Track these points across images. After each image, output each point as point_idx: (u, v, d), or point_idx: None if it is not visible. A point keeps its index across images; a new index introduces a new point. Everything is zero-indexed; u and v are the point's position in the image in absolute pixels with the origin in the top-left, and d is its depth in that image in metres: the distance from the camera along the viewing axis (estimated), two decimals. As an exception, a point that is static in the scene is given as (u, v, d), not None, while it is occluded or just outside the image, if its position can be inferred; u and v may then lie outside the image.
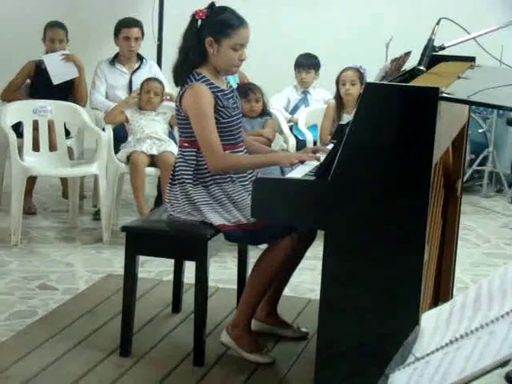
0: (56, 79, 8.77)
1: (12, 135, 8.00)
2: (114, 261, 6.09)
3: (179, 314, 5.84)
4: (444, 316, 2.38)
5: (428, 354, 2.13)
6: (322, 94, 9.08)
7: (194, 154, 5.17)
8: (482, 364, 1.89)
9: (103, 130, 8.17)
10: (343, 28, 9.85)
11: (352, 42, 8.94)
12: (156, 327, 5.63)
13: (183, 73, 5.25)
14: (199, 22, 5.15)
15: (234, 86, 7.00)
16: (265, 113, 8.06)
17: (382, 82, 4.30)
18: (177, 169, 5.32)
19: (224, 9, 5.19)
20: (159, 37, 9.90)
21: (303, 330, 5.46)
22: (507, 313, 2.07)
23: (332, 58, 8.86)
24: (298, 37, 9.72)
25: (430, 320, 2.40)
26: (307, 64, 9.19)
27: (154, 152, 7.91)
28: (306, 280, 5.60)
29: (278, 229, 4.96)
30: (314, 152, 5.38)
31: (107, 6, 10.30)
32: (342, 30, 9.74)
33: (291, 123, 8.73)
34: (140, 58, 8.92)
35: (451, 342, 2.11)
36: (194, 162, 5.18)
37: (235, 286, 6.03)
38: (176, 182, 5.27)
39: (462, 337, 2.10)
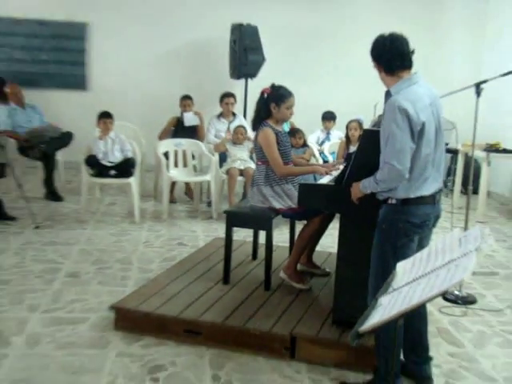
0: (188, 123, 8.85)
1: (163, 158, 8.16)
2: (219, 230, 6.15)
3: (256, 261, 5.86)
4: (410, 265, 2.51)
5: (400, 287, 2.28)
6: (337, 134, 9.04)
7: (264, 168, 5.30)
8: (431, 293, 2.04)
9: (213, 155, 8.24)
10: (349, 97, 9.73)
11: (354, 104, 8.89)
12: (243, 267, 5.67)
13: (257, 123, 5.40)
14: (265, 95, 5.28)
15: (287, 129, 7.05)
16: (305, 145, 8.10)
17: (372, 129, 4.34)
18: (255, 177, 5.49)
19: (279, 87, 5.33)
20: (244, 102, 9.87)
21: (327, 270, 5.54)
22: (446, 263, 2.19)
23: (343, 113, 8.78)
24: (323, 102, 9.58)
25: (402, 267, 2.53)
26: (329, 117, 9.16)
27: (242, 168, 7.99)
28: (328, 241, 5.65)
29: (312, 212, 5.11)
30: (333, 166, 5.47)
31: (215, 85, 10.08)
32: (349, 98, 9.62)
33: (320, 151, 8.75)
34: (233, 114, 8.93)
35: (413, 280, 2.26)
36: (264, 172, 5.31)
37: (287, 245, 6.09)
38: (254, 184, 5.44)
39: (420, 277, 2.24)
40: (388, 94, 3.78)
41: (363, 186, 3.79)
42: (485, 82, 5.32)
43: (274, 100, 5.28)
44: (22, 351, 4.28)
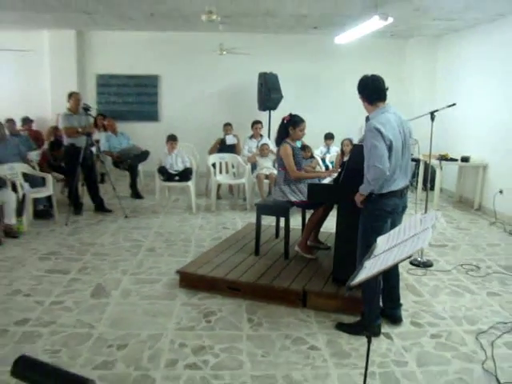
0: (229, 141, 8.86)
1: (211, 168, 8.16)
2: (252, 217, 6.14)
3: (278, 239, 5.79)
4: (386, 238, 2.52)
5: (379, 254, 2.29)
6: (335, 149, 8.99)
7: (284, 173, 5.30)
8: (400, 257, 2.05)
9: (246, 164, 8.24)
10: (342, 122, 9.69)
11: (346, 127, 8.85)
12: (269, 243, 5.64)
13: (279, 141, 5.39)
14: (285, 121, 5.29)
15: (300, 145, 7.01)
16: (312, 157, 8.07)
17: (359, 144, 4.33)
18: (277, 179, 5.51)
19: (295, 115, 5.34)
20: (268, 127, 9.86)
21: (328, 245, 5.48)
22: (411, 236, 2.19)
23: (338, 134, 8.76)
24: (324, 125, 9.52)
25: (381, 240, 2.53)
26: (329, 136, 9.05)
27: (267, 173, 7.94)
28: (330, 225, 5.65)
29: (318, 203, 5.10)
30: (332, 172, 5.47)
31: (247, 115, 10.19)
32: (342, 123, 9.59)
33: (323, 160, 8.72)
34: (261, 135, 8.87)
35: (389, 249, 2.26)
36: (283, 176, 5.31)
37: (300, 227, 6.02)
38: (276, 184, 5.48)
39: (393, 246, 2.25)
40: (367, 119, 3.85)
41: (361, 190, 3.74)
42: (436, 111, 5.30)
43: (292, 124, 5.31)
44: (118, 300, 4.39)
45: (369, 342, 2.45)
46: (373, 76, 3.82)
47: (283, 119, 5.43)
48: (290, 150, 5.27)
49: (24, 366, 0.72)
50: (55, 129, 9.01)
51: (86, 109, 7.11)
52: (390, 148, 3.58)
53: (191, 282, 4.68)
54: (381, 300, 4.07)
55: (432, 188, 8.32)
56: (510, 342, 3.78)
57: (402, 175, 3.77)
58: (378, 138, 3.56)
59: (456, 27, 8.75)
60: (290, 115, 5.39)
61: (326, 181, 5.09)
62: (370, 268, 2.07)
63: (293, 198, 5.28)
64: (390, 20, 6.39)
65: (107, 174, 8.44)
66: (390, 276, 4.03)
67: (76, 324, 3.89)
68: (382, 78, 3.81)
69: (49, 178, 7.08)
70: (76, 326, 3.85)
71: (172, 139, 8.16)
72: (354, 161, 4.15)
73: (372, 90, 3.77)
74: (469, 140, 8.70)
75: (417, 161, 8.61)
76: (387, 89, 3.79)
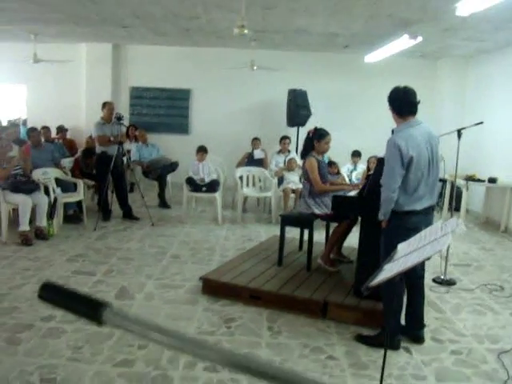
0: (257, 156, 8.92)
1: (239, 180, 8.18)
2: (276, 230, 6.11)
3: (301, 251, 5.76)
4: (407, 244, 2.51)
5: (398, 258, 2.28)
6: (362, 166, 8.97)
7: (309, 185, 5.29)
8: (418, 259, 2.02)
9: (273, 178, 8.26)
10: (369, 140, 9.59)
11: (372, 145, 8.81)
12: (292, 255, 5.63)
13: (305, 154, 5.40)
14: (310, 134, 5.31)
15: (327, 161, 7.02)
16: (339, 172, 8.09)
17: (383, 157, 4.33)
18: (302, 192, 5.49)
19: (320, 129, 5.35)
20: (296, 142, 9.87)
21: (351, 259, 5.43)
22: (431, 241, 2.18)
23: (366, 151, 8.72)
24: (352, 143, 9.54)
25: (402, 247, 2.52)
26: (356, 154, 9.03)
27: (294, 188, 7.96)
28: (353, 241, 5.62)
29: (342, 217, 5.09)
30: (356, 186, 5.47)
31: (276, 131, 10.29)
32: (369, 141, 9.49)
33: (349, 178, 8.70)
34: (289, 151, 8.93)
35: (408, 253, 2.24)
36: (308, 188, 5.31)
37: (323, 242, 5.91)
38: (301, 197, 5.50)
39: (413, 251, 2.24)
40: (393, 132, 3.79)
41: (379, 216, 3.70)
42: (463, 128, 5.26)
43: (317, 137, 5.31)
44: (142, 303, 4.44)
45: (385, 352, 2.44)
46: (405, 88, 3.70)
47: (308, 132, 5.44)
48: (315, 162, 5.27)
49: (49, 290, 0.82)
50: (89, 138, 9.19)
51: (119, 118, 7.26)
52: (409, 164, 3.53)
53: (214, 288, 4.70)
54: (404, 319, 4.02)
55: (458, 209, 8.22)
56: (533, 363, 3.69)
57: (427, 193, 3.69)
58: (393, 156, 3.52)
59: (486, 48, 8.70)
60: (316, 128, 5.40)
61: (351, 193, 5.08)
62: (389, 270, 2.07)
63: (317, 211, 5.27)
64: (420, 39, 6.41)
65: (137, 183, 8.55)
66: (415, 296, 3.98)
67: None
68: (414, 91, 3.71)
69: (80, 183, 7.22)
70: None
71: (202, 150, 8.25)
72: (378, 174, 4.14)
73: (403, 103, 3.67)
74: (497, 161, 8.60)
75: (443, 181, 8.51)
76: (419, 102, 3.70)
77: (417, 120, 3.71)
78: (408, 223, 3.61)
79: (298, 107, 9.60)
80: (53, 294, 0.87)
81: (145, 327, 0.81)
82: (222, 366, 0.82)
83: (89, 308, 0.85)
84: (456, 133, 5.17)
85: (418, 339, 3.96)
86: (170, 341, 0.80)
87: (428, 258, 2.06)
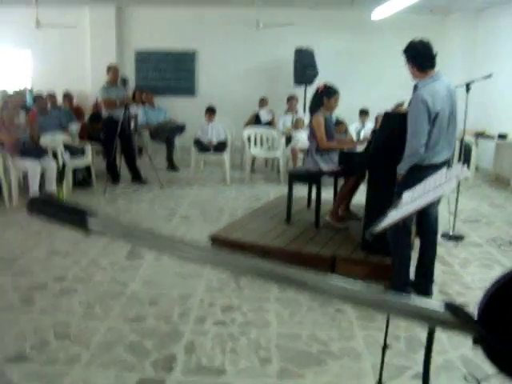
0: (264, 120, 8.87)
1: (246, 141, 8.14)
2: (285, 190, 6.06)
3: (309, 209, 5.74)
4: (411, 192, 2.49)
5: (403, 204, 2.27)
6: (370, 125, 8.85)
7: (316, 142, 5.21)
8: (421, 203, 2.02)
9: (281, 138, 8.22)
10: (377, 97, 9.47)
11: (381, 102, 8.58)
12: (300, 213, 5.58)
13: (313, 109, 5.31)
14: (319, 91, 5.23)
15: (335, 119, 6.95)
16: (346, 131, 8.03)
17: (389, 112, 4.29)
18: (309, 148, 5.45)
19: (329, 86, 5.23)
20: (304, 101, 9.77)
21: (359, 216, 5.36)
22: (434, 187, 2.16)
23: (374, 109, 8.61)
24: (360, 101, 9.48)
25: (406, 195, 2.50)
26: (364, 112, 9.03)
27: (302, 147, 7.88)
28: (361, 198, 5.60)
29: (349, 173, 5.06)
30: (364, 142, 5.42)
31: (283, 90, 10.18)
32: (377, 98, 9.36)
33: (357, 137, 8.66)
34: (296, 111, 8.87)
35: (412, 200, 2.23)
36: (315, 145, 5.22)
37: (332, 199, 5.96)
38: (309, 153, 5.39)
39: (416, 198, 2.22)
40: (416, 87, 3.72)
41: (399, 169, 3.66)
42: (472, 82, 5.17)
43: (326, 95, 5.20)
44: (152, 262, 4.49)
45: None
46: (422, 41, 3.65)
47: (317, 89, 5.34)
48: (321, 119, 5.18)
49: (37, 203, 0.84)
50: (96, 103, 9.17)
51: (124, 81, 7.22)
52: (435, 119, 3.52)
53: (223, 246, 4.71)
54: (414, 274, 4.04)
55: (467, 166, 8.15)
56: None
57: (446, 147, 3.69)
58: (421, 112, 3.48)
59: (495, 1, 8.48)
60: (325, 85, 5.30)
61: (359, 148, 5.05)
62: (393, 216, 2.07)
63: (325, 167, 5.22)
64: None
65: (144, 146, 8.56)
66: (427, 252, 3.99)
67: (110, 282, 4.00)
68: (431, 44, 3.66)
69: (88, 147, 7.23)
70: (110, 284, 3.96)
71: (210, 111, 8.22)
72: (384, 128, 4.12)
73: (424, 56, 3.62)
74: (507, 116, 8.46)
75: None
76: (436, 54, 3.64)
77: (438, 74, 3.67)
78: (426, 176, 3.55)
79: (304, 66, 9.48)
80: (41, 206, 0.89)
81: (130, 232, 0.82)
82: (203, 264, 0.83)
83: (75, 216, 0.86)
84: (465, 87, 5.08)
85: (427, 293, 3.99)
86: (156, 244, 0.81)
87: (429, 203, 2.05)
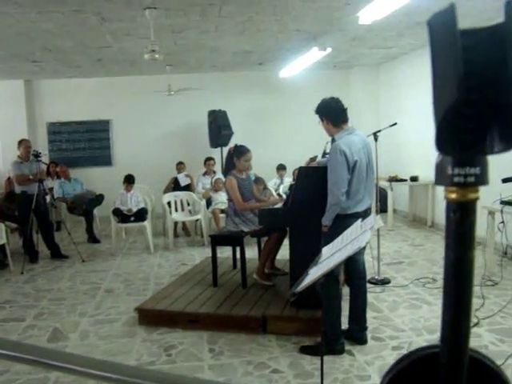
0: (182, 183, 8.86)
1: (167, 206, 8.10)
2: (210, 252, 6.01)
3: (235, 270, 5.74)
4: (330, 247, 2.53)
5: (322, 261, 2.30)
6: (288, 179, 9.04)
7: (233, 204, 5.26)
8: (340, 259, 2.05)
9: (201, 201, 8.21)
10: (293, 152, 9.74)
11: (297, 157, 8.84)
12: (227, 275, 5.59)
13: (226, 173, 5.41)
14: (231, 152, 5.30)
15: (253, 177, 7.05)
16: (266, 188, 8.12)
17: (304, 166, 4.37)
18: (228, 211, 5.47)
19: (240, 146, 5.34)
20: (221, 163, 9.87)
21: (286, 271, 5.37)
22: (350, 241, 2.21)
23: (291, 164, 8.80)
24: (277, 157, 9.71)
25: (325, 250, 2.54)
26: (281, 167, 9.24)
27: (223, 208, 7.91)
28: (284, 252, 5.66)
29: (271, 230, 5.10)
30: (279, 200, 5.54)
31: (200, 153, 10.23)
32: (293, 153, 9.62)
33: (277, 192, 8.78)
34: (214, 172, 8.92)
35: (331, 255, 2.27)
36: (233, 207, 5.28)
37: (257, 257, 5.92)
38: (228, 216, 5.41)
39: (335, 252, 2.26)
40: (333, 140, 3.84)
41: (323, 221, 3.72)
42: (379, 131, 5.43)
43: (237, 155, 5.31)
44: (76, 343, 4.28)
45: (322, 359, 2.45)
46: (334, 98, 3.83)
47: (229, 150, 5.43)
48: (234, 181, 5.24)
49: None
50: (9, 179, 8.84)
51: (37, 155, 7.02)
52: (353, 169, 3.65)
53: (150, 318, 4.59)
54: (348, 321, 4.08)
55: (385, 210, 8.46)
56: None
57: (366, 196, 3.82)
58: (340, 161, 3.61)
59: (393, 55, 9.09)
60: (236, 146, 5.40)
61: (278, 206, 5.11)
62: (313, 274, 2.09)
63: (245, 229, 5.25)
64: (329, 50, 6.60)
65: (63, 221, 8.30)
66: (359, 299, 4.05)
67: (32, 370, 3.75)
68: (340, 100, 3.85)
69: (1, 227, 6.90)
70: (32, 373, 3.71)
71: (128, 180, 8.14)
72: (300, 183, 4.21)
73: (337, 112, 3.79)
74: (415, 160, 8.94)
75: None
76: (346, 109, 3.83)
77: (352, 127, 3.85)
78: (349, 225, 3.64)
79: (219, 128, 9.61)
80: None
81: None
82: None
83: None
84: (372, 136, 5.32)
85: (362, 341, 4.02)
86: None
87: (348, 257, 2.09)
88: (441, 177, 0.97)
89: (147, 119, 10.72)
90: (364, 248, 3.87)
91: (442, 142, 0.92)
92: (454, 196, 0.95)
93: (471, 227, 0.98)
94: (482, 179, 0.94)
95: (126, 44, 7.16)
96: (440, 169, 0.96)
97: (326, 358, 3.73)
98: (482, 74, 0.85)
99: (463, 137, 0.90)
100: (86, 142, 10.89)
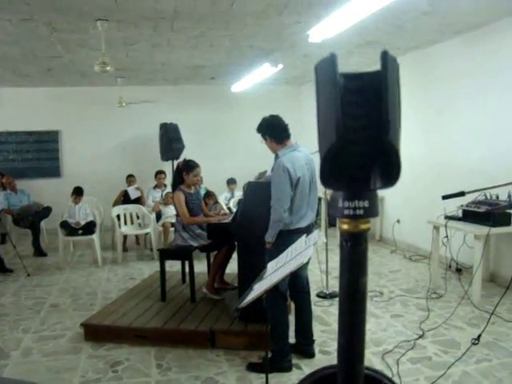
0: (132, 196, 8.76)
1: (116, 219, 8.01)
2: (157, 265, 5.99)
3: (184, 284, 5.71)
4: (275, 262, 2.56)
5: (266, 277, 2.32)
6: (239, 193, 9.09)
7: (181, 219, 5.25)
8: (283, 274, 2.07)
9: (151, 214, 8.15)
10: (243, 166, 9.83)
11: (247, 171, 8.96)
12: (175, 289, 5.57)
13: (174, 187, 5.39)
14: (180, 166, 5.31)
15: (203, 192, 7.05)
16: (217, 202, 8.12)
17: (251, 181, 4.42)
18: (176, 226, 5.45)
19: (189, 161, 5.35)
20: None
21: (235, 285, 5.34)
22: (294, 256, 2.25)
23: (241, 178, 8.86)
24: (227, 171, 9.75)
25: (270, 265, 2.57)
26: (231, 181, 9.28)
27: (172, 221, 7.85)
28: (234, 266, 5.66)
29: (220, 244, 5.11)
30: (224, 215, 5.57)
31: (151, 166, 10.12)
32: (243, 167, 9.70)
33: (227, 206, 8.81)
34: (165, 185, 8.86)
35: (275, 270, 2.30)
36: (181, 222, 5.27)
37: (206, 271, 5.95)
38: (176, 231, 5.39)
39: (279, 267, 2.29)
40: (277, 156, 3.87)
41: (266, 238, 3.73)
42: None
43: (186, 170, 5.31)
44: (19, 360, 4.15)
45: (266, 377, 2.46)
46: (274, 116, 3.87)
47: (178, 165, 5.44)
48: (182, 196, 5.23)
49: None
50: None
51: (-19, 166, 6.84)
52: (296, 185, 3.67)
53: (97, 333, 4.51)
54: (295, 336, 4.11)
55: (334, 224, 8.58)
56: (413, 357, 3.97)
57: (309, 212, 3.85)
58: (283, 178, 3.63)
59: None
60: (185, 160, 5.40)
61: (227, 220, 5.12)
62: (257, 289, 2.11)
63: (194, 244, 5.24)
64: (280, 67, 6.69)
65: (8, 233, 8.08)
66: (304, 313, 4.10)
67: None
68: (281, 117, 3.88)
69: None
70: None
71: (77, 192, 8.00)
72: (249, 198, 4.25)
73: (279, 129, 3.82)
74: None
75: (319, 199, 8.87)
76: (288, 125, 3.86)
77: (296, 144, 3.87)
78: (293, 241, 3.67)
79: (170, 141, 9.57)
80: None
81: None
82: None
83: None
84: (318, 153, 5.40)
85: (309, 354, 4.07)
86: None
87: (292, 272, 2.13)
88: (334, 209, 1.01)
89: (98, 131, 10.57)
90: (307, 263, 3.95)
91: (325, 178, 0.95)
92: (345, 227, 1.01)
93: (363, 255, 1.03)
94: (370, 212, 0.98)
95: (78, 55, 7.07)
96: (333, 201, 1.00)
97: (274, 373, 3.76)
98: (364, 115, 0.90)
99: (349, 173, 0.95)
100: (35, 153, 10.63)
